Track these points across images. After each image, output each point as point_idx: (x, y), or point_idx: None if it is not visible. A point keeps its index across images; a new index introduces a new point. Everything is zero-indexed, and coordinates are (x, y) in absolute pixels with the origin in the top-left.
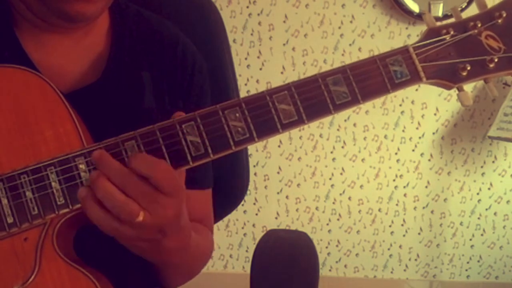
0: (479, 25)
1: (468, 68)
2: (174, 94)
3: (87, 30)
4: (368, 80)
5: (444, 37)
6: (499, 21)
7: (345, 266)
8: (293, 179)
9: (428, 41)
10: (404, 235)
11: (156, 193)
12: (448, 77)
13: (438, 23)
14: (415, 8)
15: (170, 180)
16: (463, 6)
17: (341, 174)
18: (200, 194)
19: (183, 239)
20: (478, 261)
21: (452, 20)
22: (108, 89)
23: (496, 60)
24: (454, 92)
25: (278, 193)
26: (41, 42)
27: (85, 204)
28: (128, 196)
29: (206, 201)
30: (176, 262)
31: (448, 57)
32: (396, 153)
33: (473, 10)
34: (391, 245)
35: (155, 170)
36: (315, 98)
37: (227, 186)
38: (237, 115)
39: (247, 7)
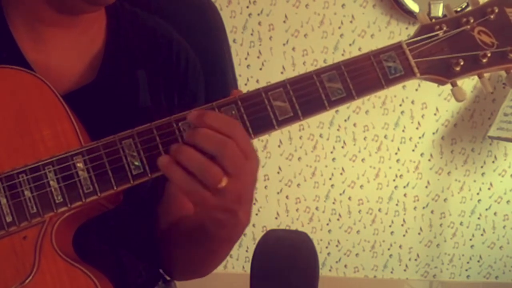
0: (472, 20)
1: (461, 63)
2: (169, 91)
3: (86, 26)
4: (362, 76)
5: (437, 33)
6: (491, 16)
7: (345, 266)
8: (293, 179)
9: (421, 37)
10: (404, 235)
11: (238, 157)
12: (441, 72)
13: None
14: (415, 8)
15: (249, 143)
16: (463, 6)
17: (341, 174)
18: None
19: (249, 214)
20: (478, 261)
21: None
22: (105, 88)
23: (489, 55)
24: None
25: (278, 193)
26: (39, 39)
27: (169, 169)
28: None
29: None
30: (234, 242)
31: (442, 52)
32: (396, 153)
33: None
34: (391, 245)
35: (235, 129)
36: (310, 94)
37: None
38: (233, 112)
39: (247, 7)
